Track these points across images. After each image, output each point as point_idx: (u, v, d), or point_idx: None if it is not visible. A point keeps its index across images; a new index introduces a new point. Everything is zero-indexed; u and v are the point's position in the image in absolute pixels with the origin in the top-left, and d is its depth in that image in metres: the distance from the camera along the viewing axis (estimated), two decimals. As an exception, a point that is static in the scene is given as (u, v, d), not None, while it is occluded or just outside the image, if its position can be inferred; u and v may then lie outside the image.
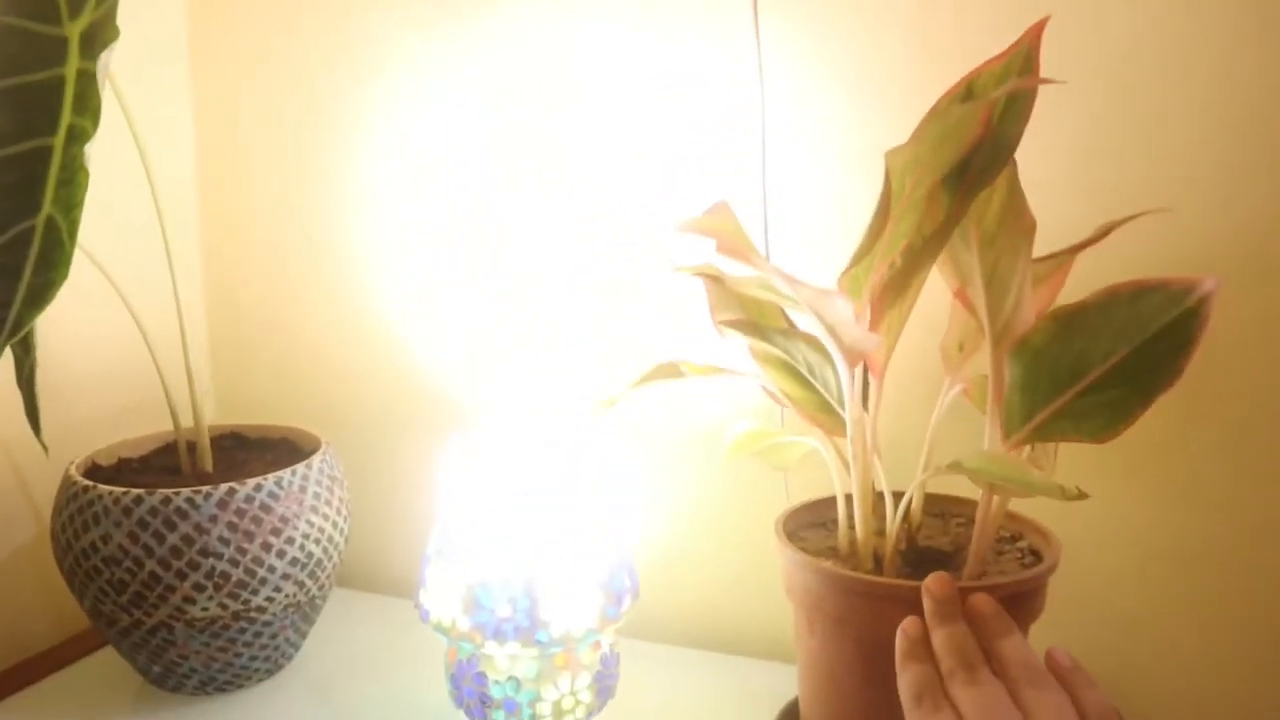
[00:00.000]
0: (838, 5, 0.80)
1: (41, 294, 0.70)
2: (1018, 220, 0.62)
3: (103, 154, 0.77)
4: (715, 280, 0.68)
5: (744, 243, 0.59)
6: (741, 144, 0.84)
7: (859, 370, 0.66)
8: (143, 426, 0.91)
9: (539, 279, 0.93)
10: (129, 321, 0.81)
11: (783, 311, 0.71)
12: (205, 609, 0.77)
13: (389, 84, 0.96)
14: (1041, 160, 0.74)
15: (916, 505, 0.71)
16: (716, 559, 0.91)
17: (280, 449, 0.91)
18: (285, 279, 1.05)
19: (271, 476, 0.79)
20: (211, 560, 0.76)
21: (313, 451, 0.86)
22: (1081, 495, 0.55)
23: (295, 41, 1.00)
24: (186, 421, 0.86)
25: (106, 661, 0.88)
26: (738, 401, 0.87)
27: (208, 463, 0.86)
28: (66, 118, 0.71)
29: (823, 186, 0.83)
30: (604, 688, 0.76)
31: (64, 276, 0.70)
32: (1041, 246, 0.63)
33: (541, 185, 0.91)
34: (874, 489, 0.69)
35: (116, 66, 0.76)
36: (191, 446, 0.86)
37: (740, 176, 0.84)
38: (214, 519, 0.76)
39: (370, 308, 1.01)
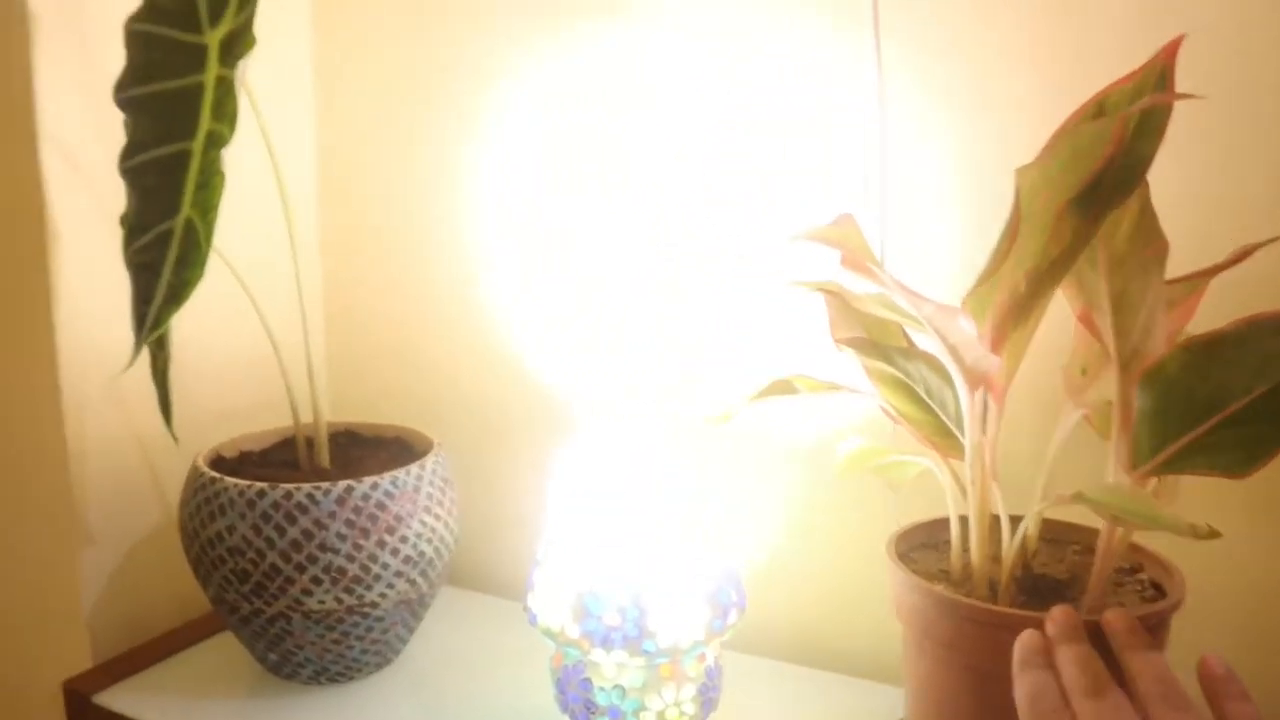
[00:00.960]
0: (959, 20, 0.79)
1: (179, 292, 0.73)
2: (1149, 243, 0.60)
3: (229, 158, 0.79)
4: (836, 296, 0.67)
5: (867, 255, 0.58)
6: (855, 159, 0.83)
7: (979, 393, 0.64)
8: (262, 421, 0.94)
9: (652, 287, 0.93)
10: (253, 320, 0.83)
11: (903, 330, 0.71)
12: (322, 602, 0.79)
13: (502, 93, 0.98)
14: (1175, 178, 0.72)
15: (1033, 532, 0.69)
16: (823, 574, 0.90)
17: (393, 448, 0.93)
18: (398, 281, 1.07)
19: (387, 475, 0.81)
20: (329, 555, 0.78)
21: (424, 451, 0.88)
22: (1214, 534, 0.53)
23: (411, 55, 1.02)
24: (305, 418, 0.88)
25: (224, 646, 0.91)
26: (845, 415, 0.86)
27: (325, 458, 0.88)
28: (205, 123, 0.74)
29: (937, 205, 0.82)
30: (707, 700, 0.76)
31: (200, 276, 0.73)
32: (1174, 268, 0.61)
33: (656, 194, 0.92)
34: (990, 512, 0.67)
35: (249, 75, 0.79)
36: (310, 442, 0.89)
37: (852, 186, 0.84)
38: (333, 515, 0.78)
39: (481, 312, 1.03)
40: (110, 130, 0.83)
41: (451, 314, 1.05)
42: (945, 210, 0.82)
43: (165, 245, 0.73)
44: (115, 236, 0.81)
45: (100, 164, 0.85)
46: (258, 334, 0.84)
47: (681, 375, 0.93)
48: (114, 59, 0.75)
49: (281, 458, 0.91)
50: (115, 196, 0.80)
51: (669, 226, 0.92)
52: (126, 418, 0.91)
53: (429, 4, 1.00)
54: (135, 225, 0.73)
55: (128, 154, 0.73)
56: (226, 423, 0.96)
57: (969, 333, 0.57)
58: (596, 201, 0.95)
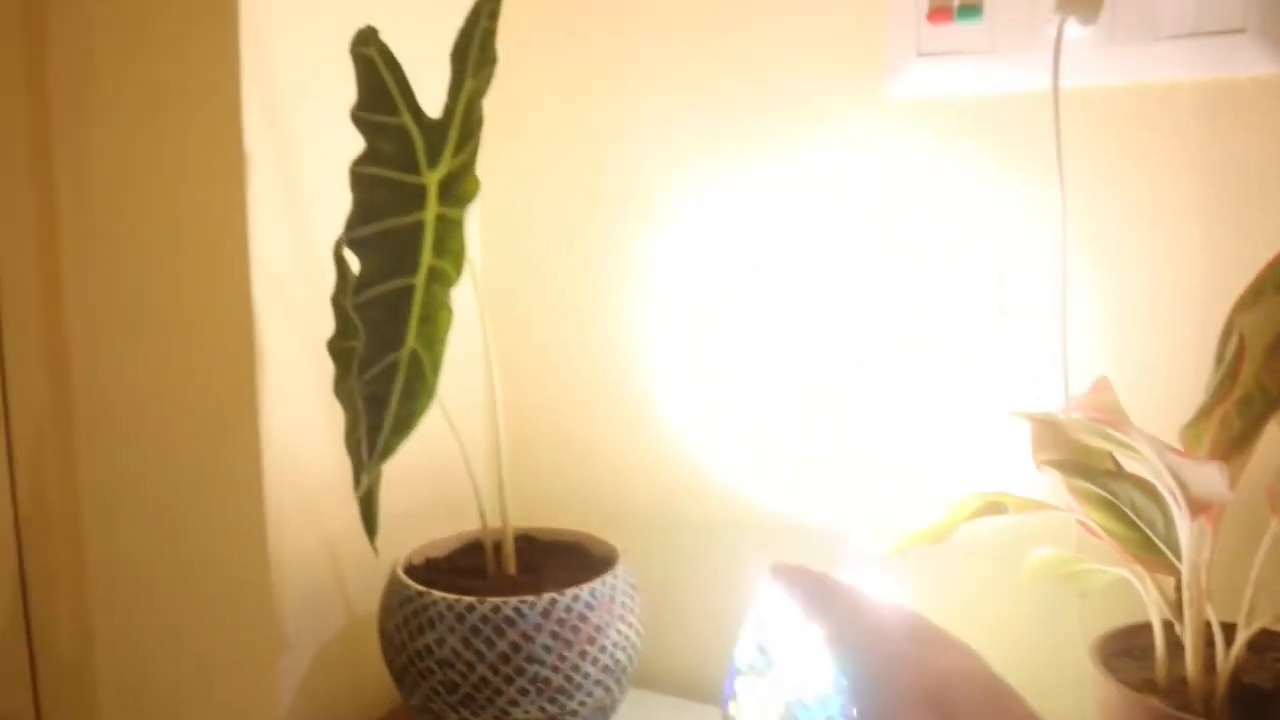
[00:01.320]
0: (1138, 147, 0.83)
1: (407, 422, 0.77)
2: (1366, 374, 0.63)
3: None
4: (1045, 423, 0.70)
5: (1121, 415, 0.62)
6: (1037, 283, 0.87)
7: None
8: (438, 520, 0.97)
9: (837, 390, 0.96)
10: (439, 425, 0.87)
11: (1109, 454, 0.74)
12: (527, 712, 0.82)
13: (677, 192, 1.02)
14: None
15: (1241, 643, 0.72)
16: (1008, 677, 0.92)
17: (573, 553, 0.96)
18: (569, 387, 1.10)
19: (586, 586, 0.84)
20: (536, 666, 0.81)
21: (602, 555, 0.91)
22: None
23: (577, 152, 1.07)
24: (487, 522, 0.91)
25: (413, 748, 0.94)
26: (1025, 524, 0.89)
27: (511, 565, 0.92)
28: (427, 259, 0.79)
29: (1116, 332, 0.85)
30: (911, 806, 0.78)
31: (427, 407, 0.77)
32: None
33: (837, 297, 0.95)
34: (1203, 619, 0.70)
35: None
36: (496, 548, 0.92)
37: (1035, 314, 0.87)
38: (539, 627, 0.81)
39: (654, 414, 1.06)
40: (313, 261, 0.89)
41: (623, 417, 1.07)
42: (1116, 357, 0.86)
43: (392, 377, 0.77)
44: (316, 360, 0.86)
45: (303, 292, 0.90)
46: (434, 437, 0.87)
47: (875, 482, 0.96)
48: (318, 195, 0.79)
49: (466, 564, 0.94)
50: (320, 324, 0.85)
51: (848, 349, 0.95)
52: (319, 526, 0.95)
53: (594, 124, 1.05)
54: (365, 358, 0.77)
55: (357, 289, 0.77)
56: (405, 521, 0.99)
57: (1215, 476, 0.60)
58: (776, 303, 0.98)
